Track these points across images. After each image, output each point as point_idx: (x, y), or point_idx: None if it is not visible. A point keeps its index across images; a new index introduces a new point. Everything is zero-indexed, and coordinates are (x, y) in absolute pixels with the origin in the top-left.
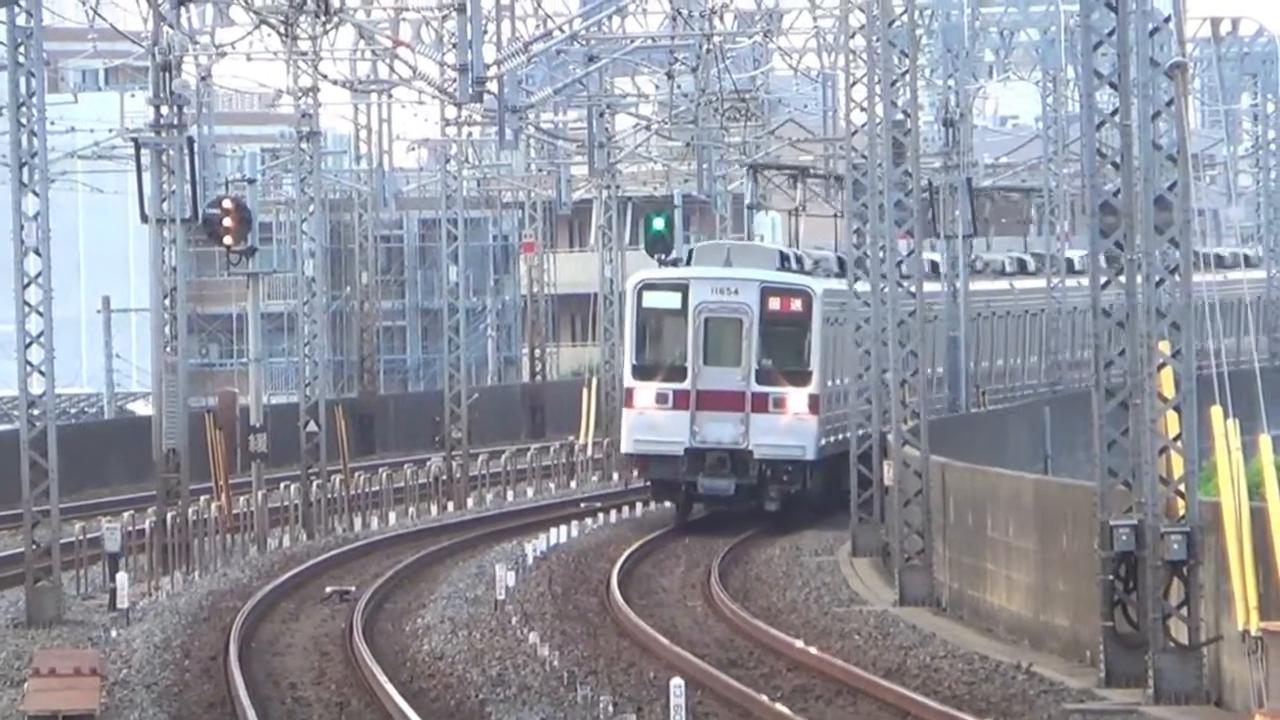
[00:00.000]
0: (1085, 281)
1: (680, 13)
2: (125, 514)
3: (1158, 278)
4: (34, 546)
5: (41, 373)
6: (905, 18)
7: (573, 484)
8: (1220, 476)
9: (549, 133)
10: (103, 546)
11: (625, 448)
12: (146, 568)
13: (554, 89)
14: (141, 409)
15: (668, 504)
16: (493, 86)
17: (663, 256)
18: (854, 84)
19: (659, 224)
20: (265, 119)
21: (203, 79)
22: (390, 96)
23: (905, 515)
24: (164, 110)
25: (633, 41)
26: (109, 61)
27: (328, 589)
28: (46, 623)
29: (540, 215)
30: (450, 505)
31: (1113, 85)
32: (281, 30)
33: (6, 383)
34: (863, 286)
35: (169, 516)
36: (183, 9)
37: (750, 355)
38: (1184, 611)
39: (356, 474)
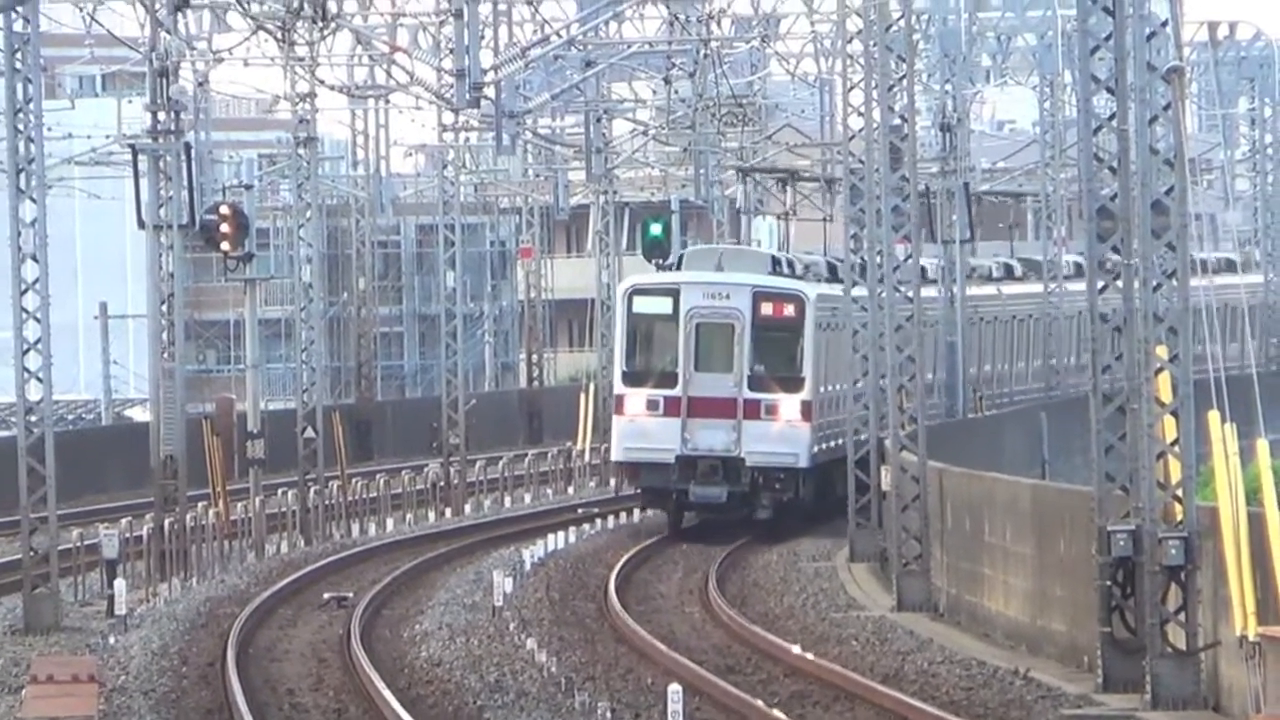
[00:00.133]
0: (1079, 286)
1: (678, 18)
2: (123, 520)
3: (1155, 282)
4: (32, 553)
5: (39, 379)
6: (902, 23)
7: (570, 490)
8: (1218, 481)
9: (546, 138)
10: (100, 553)
11: (616, 455)
12: (144, 574)
13: (551, 94)
14: (139, 415)
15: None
16: (490, 92)
17: (660, 261)
18: (851, 89)
19: (657, 229)
20: (262, 124)
21: (200, 85)
22: (387, 102)
23: (903, 520)
24: (161, 116)
25: (630, 46)
26: (106, 67)
27: (325, 595)
28: (44, 629)
29: (538, 220)
30: (448, 511)
31: (1110, 90)
32: (279, 36)
33: (4, 389)
34: (859, 291)
35: (167, 523)
36: (180, 15)
37: (742, 361)
38: (1182, 617)
39: (354, 480)
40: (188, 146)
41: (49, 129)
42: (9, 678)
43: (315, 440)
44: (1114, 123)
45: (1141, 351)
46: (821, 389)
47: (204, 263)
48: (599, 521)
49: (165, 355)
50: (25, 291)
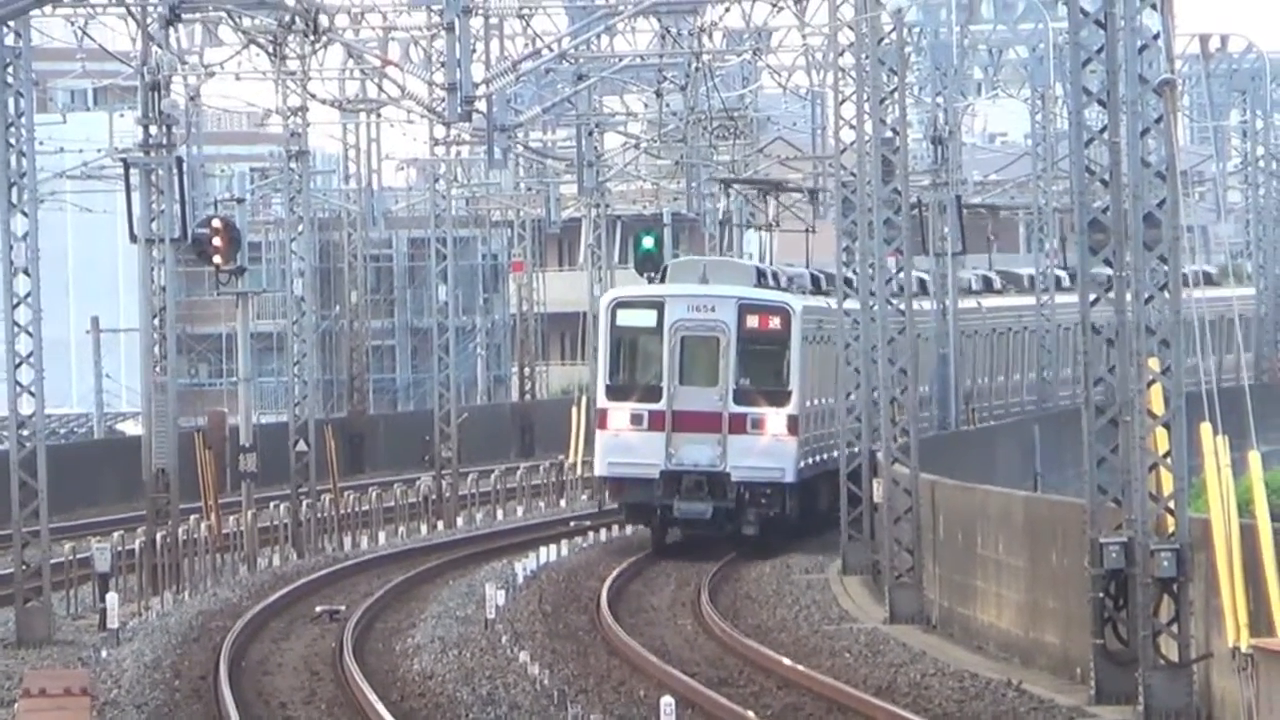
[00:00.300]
0: (1069, 298)
1: (669, 31)
2: (115, 534)
3: (1147, 295)
4: (24, 567)
5: (31, 393)
6: (894, 35)
7: (562, 503)
8: (1210, 493)
9: (538, 151)
10: (93, 566)
11: (599, 470)
12: (136, 588)
13: (543, 108)
14: (131, 429)
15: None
16: (481, 105)
17: (652, 275)
18: (843, 102)
19: (649, 243)
20: (254, 138)
21: (191, 99)
22: (379, 116)
23: (895, 533)
24: (153, 130)
25: (621, 60)
26: (98, 81)
27: (318, 608)
28: (36, 643)
29: (529, 234)
30: (440, 524)
31: (1101, 102)
32: (270, 50)
33: None
34: (852, 304)
35: (159, 536)
36: (171, 29)
37: (727, 375)
38: (1174, 628)
39: (346, 493)
40: (179, 160)
41: (41, 143)
42: (1, 691)
43: (307, 454)
44: (1106, 135)
45: (1134, 364)
46: (808, 402)
47: (196, 276)
48: (591, 534)
49: (157, 369)
50: (17, 305)
